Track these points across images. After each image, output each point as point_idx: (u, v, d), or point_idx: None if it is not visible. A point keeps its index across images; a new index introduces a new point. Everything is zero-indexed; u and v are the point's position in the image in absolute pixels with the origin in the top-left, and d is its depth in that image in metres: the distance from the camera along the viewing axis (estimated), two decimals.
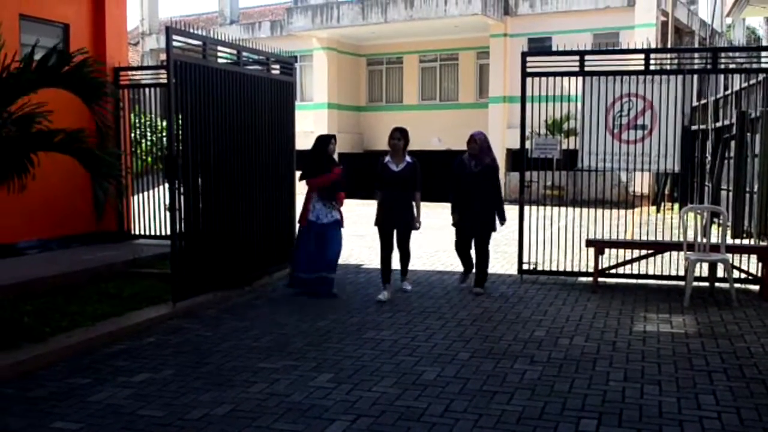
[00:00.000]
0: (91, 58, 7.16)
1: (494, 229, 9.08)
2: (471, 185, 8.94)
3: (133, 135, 12.20)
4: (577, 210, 10.83)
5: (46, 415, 5.09)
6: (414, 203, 8.86)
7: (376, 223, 8.91)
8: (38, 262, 9.46)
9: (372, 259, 11.31)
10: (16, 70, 6.63)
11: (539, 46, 24.11)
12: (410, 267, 9.52)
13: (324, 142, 9.14)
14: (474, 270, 9.29)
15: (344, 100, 29.25)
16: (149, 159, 12.84)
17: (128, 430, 4.83)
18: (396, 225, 8.87)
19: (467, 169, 8.96)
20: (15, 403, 5.35)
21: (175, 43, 7.98)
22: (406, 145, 8.84)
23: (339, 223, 9.08)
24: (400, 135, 8.79)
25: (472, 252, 9.34)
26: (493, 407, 5.20)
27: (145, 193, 12.15)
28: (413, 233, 9.12)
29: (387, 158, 8.82)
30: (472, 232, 9.10)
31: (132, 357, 6.47)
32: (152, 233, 11.80)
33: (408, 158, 8.84)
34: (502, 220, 9.10)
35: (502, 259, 11.64)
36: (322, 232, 8.93)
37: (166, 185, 8.95)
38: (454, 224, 9.22)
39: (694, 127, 19.12)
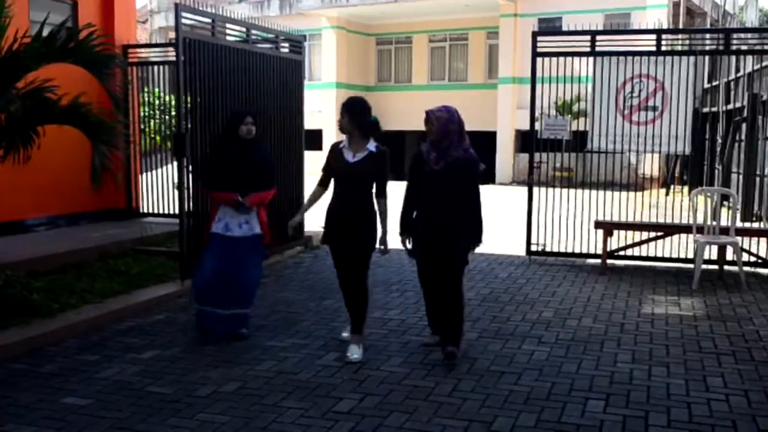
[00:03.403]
0: (98, 30, 7.12)
1: (465, 260, 5.92)
2: (429, 190, 5.78)
3: (142, 113, 12.18)
4: (586, 192, 10.79)
5: (56, 391, 5.12)
6: (378, 212, 5.89)
7: (324, 240, 6.08)
8: (47, 240, 9.47)
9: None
10: (26, 45, 6.61)
11: (550, 27, 23.94)
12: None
13: (235, 120, 6.40)
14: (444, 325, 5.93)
15: (353, 79, 29.16)
16: (158, 138, 12.80)
17: (137, 406, 4.86)
18: (347, 243, 5.87)
19: (425, 167, 5.80)
20: (26, 379, 5.39)
21: (184, 21, 7.94)
22: (364, 127, 5.84)
23: (259, 239, 6.42)
24: (344, 111, 5.87)
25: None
26: (501, 387, 5.20)
27: (154, 171, 12.15)
28: (375, 258, 6.11)
29: (344, 143, 5.94)
30: (431, 262, 5.90)
31: (141, 334, 6.50)
32: (160, 211, 11.81)
33: (372, 145, 5.83)
34: (476, 241, 5.88)
35: (510, 241, 11.62)
36: (233, 251, 6.27)
37: (175, 163, 8.93)
38: (407, 252, 6.10)
39: (705, 109, 19.00)
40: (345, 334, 6.22)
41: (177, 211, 8.40)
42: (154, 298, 7.49)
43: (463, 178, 5.72)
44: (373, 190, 5.89)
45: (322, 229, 6.02)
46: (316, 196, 6.12)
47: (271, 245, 7.43)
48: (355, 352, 5.83)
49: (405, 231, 6.00)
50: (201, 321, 6.39)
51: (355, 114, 5.82)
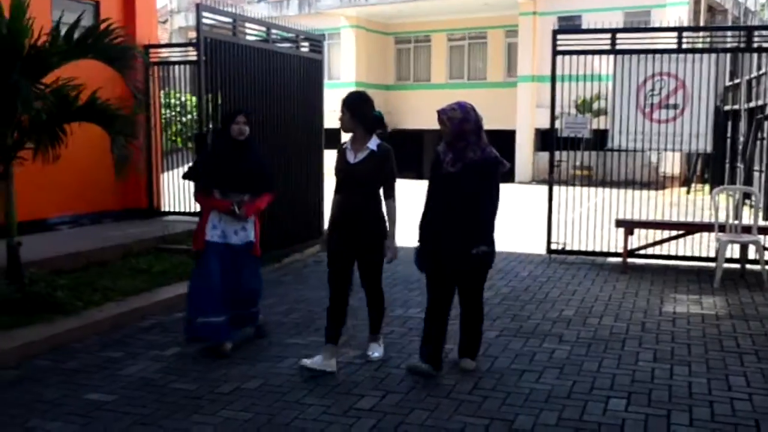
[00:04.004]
0: (115, 24, 7.17)
1: (489, 266, 5.48)
2: (445, 194, 5.33)
3: (163, 113, 12.27)
4: (606, 190, 10.76)
5: (80, 387, 5.18)
6: (386, 215, 5.53)
7: (328, 246, 5.74)
8: (70, 238, 9.57)
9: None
10: (46, 43, 6.69)
11: (569, 25, 23.82)
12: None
13: (226, 119, 6.07)
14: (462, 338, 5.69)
15: (372, 78, 29.18)
16: (179, 140, 12.90)
17: (161, 402, 4.91)
18: (354, 250, 5.55)
19: (440, 168, 5.37)
20: (50, 375, 5.45)
21: (205, 21, 8.01)
22: (367, 123, 5.44)
23: (253, 246, 6.05)
24: (343, 108, 5.50)
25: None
26: (522, 386, 5.21)
27: (175, 170, 12.23)
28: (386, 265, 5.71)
29: (347, 143, 5.57)
30: (445, 272, 5.36)
31: (163, 331, 6.55)
32: (182, 210, 11.88)
33: (373, 143, 5.43)
34: (482, 245, 5.25)
35: (530, 239, 11.59)
36: (233, 259, 5.93)
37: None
38: (419, 268, 5.56)
39: (726, 107, 18.86)
40: (306, 361, 5.41)
41: (198, 210, 8.44)
42: (175, 296, 7.53)
43: (482, 181, 5.24)
44: (381, 192, 5.53)
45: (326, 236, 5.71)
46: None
47: (293, 242, 7.31)
48: (375, 350, 5.79)
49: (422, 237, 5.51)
50: (195, 332, 5.88)
51: (356, 109, 5.42)
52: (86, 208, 10.74)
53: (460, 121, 5.22)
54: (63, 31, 6.76)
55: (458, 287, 5.49)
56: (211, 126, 8.05)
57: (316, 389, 5.12)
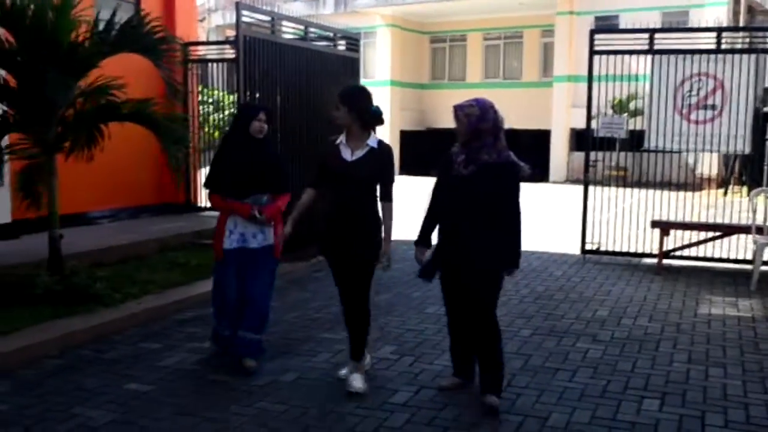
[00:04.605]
0: (153, 18, 7.28)
1: (499, 284, 4.84)
2: (455, 199, 4.81)
3: (201, 109, 12.42)
4: (641, 191, 10.69)
5: (120, 377, 5.29)
6: (383, 219, 5.02)
7: (321, 251, 5.33)
8: (109, 232, 9.74)
9: None
10: (86, 40, 6.82)
11: (606, 25, 23.67)
12: None
13: (246, 116, 5.61)
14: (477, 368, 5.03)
15: (407, 77, 29.25)
16: (216, 134, 13.05)
17: (199, 393, 5.00)
18: (345, 254, 5.04)
19: (452, 171, 4.82)
20: (91, 365, 5.58)
21: (244, 19, 8.10)
22: (365, 118, 4.94)
23: (272, 250, 5.63)
24: (340, 102, 4.96)
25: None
26: (556, 384, 5.22)
27: None
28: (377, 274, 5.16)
29: (341, 138, 5.05)
30: (455, 286, 4.92)
31: (201, 324, 6.65)
32: None
33: (373, 141, 4.98)
34: (512, 264, 4.83)
35: (564, 239, 11.55)
36: (249, 264, 5.55)
37: None
38: (421, 271, 5.05)
39: (766, 109, 18.60)
40: (343, 372, 5.25)
41: None
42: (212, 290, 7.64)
43: (497, 186, 4.69)
44: (377, 194, 5.02)
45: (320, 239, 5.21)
46: (307, 202, 5.20)
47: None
48: (356, 381, 5.05)
49: (422, 242, 5.02)
50: (218, 342, 5.75)
51: (354, 104, 4.93)
52: (125, 203, 10.93)
53: (477, 119, 4.72)
54: (95, 21, 6.90)
55: (467, 301, 4.84)
56: None
57: None
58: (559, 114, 25.71)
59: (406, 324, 6.66)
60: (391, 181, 5.03)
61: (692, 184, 13.78)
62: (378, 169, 4.96)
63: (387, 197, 5.01)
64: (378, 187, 5.01)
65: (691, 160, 18.01)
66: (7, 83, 6.62)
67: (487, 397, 4.78)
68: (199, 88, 12.53)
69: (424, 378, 5.30)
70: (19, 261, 7.49)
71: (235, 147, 5.52)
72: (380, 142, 5.01)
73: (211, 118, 13.30)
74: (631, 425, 4.53)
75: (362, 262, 5.00)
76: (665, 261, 9.46)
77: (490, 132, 4.71)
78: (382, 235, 5.00)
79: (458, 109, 4.79)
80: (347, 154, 4.96)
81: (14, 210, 8.62)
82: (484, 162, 4.68)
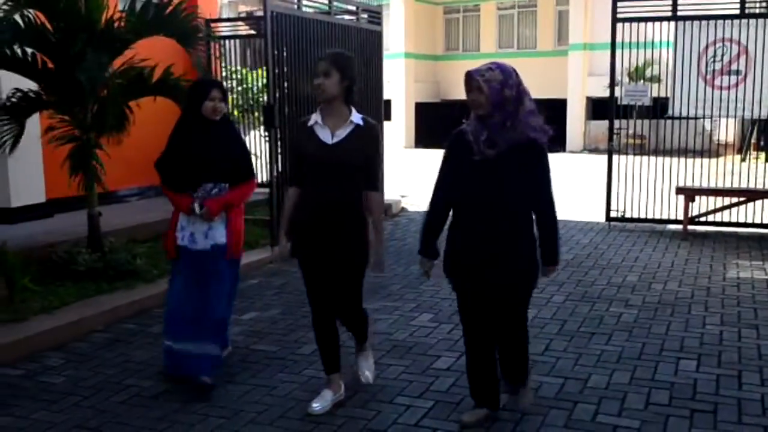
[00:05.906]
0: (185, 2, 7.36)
1: (533, 285, 4.10)
2: (478, 189, 3.88)
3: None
4: (660, 159, 10.73)
5: None
6: (371, 212, 4.25)
7: (293, 253, 4.38)
8: (139, 209, 9.86)
9: None
10: (119, 20, 6.90)
11: None
12: None
13: (197, 95, 4.79)
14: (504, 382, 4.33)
15: (421, 49, 29.16)
16: (236, 111, 13.12)
17: (245, 362, 5.15)
18: (328, 255, 4.23)
19: (471, 154, 3.84)
20: (137, 338, 5.75)
21: None
22: (350, 92, 4.18)
23: (222, 252, 4.77)
24: (331, 66, 4.12)
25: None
26: (592, 347, 5.34)
27: None
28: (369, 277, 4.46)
29: (314, 118, 4.22)
30: (482, 293, 3.99)
31: (239, 297, 6.70)
32: None
33: (357, 117, 4.20)
34: (552, 261, 4.10)
35: (587, 207, 11.62)
36: (199, 269, 4.76)
37: (254, 133, 9.14)
38: (425, 271, 4.17)
39: None
40: (316, 405, 4.35)
41: (263, 180, 8.69)
42: (247, 264, 7.74)
43: (530, 168, 3.85)
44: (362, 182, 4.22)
45: (290, 238, 4.37)
46: (293, 206, 4.32)
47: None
48: (366, 369, 4.73)
49: (429, 253, 4.09)
50: (169, 361, 4.89)
51: (348, 71, 4.13)
52: (151, 181, 11.02)
53: (501, 83, 3.77)
54: (131, 5, 6.97)
55: (499, 308, 4.06)
56: (278, 96, 8.23)
57: (392, 351, 5.32)
58: (575, 83, 25.61)
59: (440, 293, 6.76)
60: (377, 166, 4.26)
61: (710, 150, 13.80)
62: (366, 151, 4.17)
63: (373, 185, 4.24)
64: (365, 178, 4.21)
65: (708, 127, 18.00)
66: (45, 64, 6.72)
67: (519, 396, 4.33)
68: (223, 65, 12.58)
69: (464, 345, 5.42)
70: (58, 239, 7.63)
71: (185, 131, 4.81)
72: (365, 119, 4.23)
73: (233, 95, 13.36)
74: (670, 385, 4.65)
75: (351, 267, 4.28)
76: (690, 227, 9.53)
77: (514, 99, 3.80)
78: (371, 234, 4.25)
79: (476, 75, 3.80)
80: (326, 136, 4.15)
81: (48, 190, 8.77)
82: (515, 142, 3.79)
